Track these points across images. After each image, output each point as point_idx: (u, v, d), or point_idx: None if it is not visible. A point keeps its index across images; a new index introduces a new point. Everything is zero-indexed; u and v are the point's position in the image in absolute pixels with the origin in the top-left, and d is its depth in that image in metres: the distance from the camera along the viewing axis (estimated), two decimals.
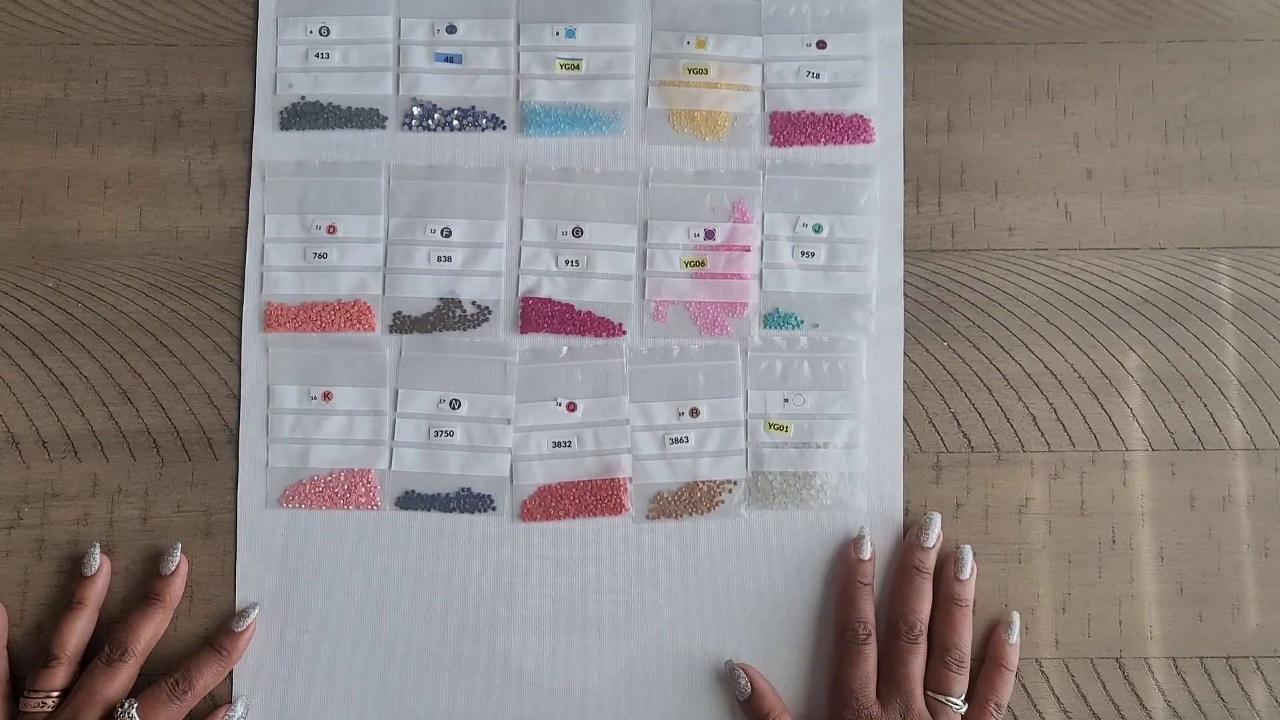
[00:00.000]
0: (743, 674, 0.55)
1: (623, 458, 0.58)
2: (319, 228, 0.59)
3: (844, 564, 0.57)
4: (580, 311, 0.59)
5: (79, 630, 0.54)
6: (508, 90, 0.60)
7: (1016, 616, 0.56)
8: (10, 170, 0.59)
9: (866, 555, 0.56)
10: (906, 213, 0.59)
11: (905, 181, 0.60)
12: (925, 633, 0.55)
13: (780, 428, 0.58)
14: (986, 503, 0.58)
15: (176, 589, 0.56)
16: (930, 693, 0.54)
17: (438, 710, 0.56)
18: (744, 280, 0.59)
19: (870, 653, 0.54)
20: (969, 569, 0.56)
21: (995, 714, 0.54)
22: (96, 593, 0.55)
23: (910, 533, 0.57)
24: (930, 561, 0.56)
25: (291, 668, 0.56)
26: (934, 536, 0.56)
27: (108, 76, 0.60)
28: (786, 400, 0.58)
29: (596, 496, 0.57)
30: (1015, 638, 0.56)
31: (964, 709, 0.54)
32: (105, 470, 0.57)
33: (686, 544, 0.57)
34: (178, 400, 0.58)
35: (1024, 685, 0.56)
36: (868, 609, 0.55)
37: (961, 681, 0.54)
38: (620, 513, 0.57)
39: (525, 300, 0.59)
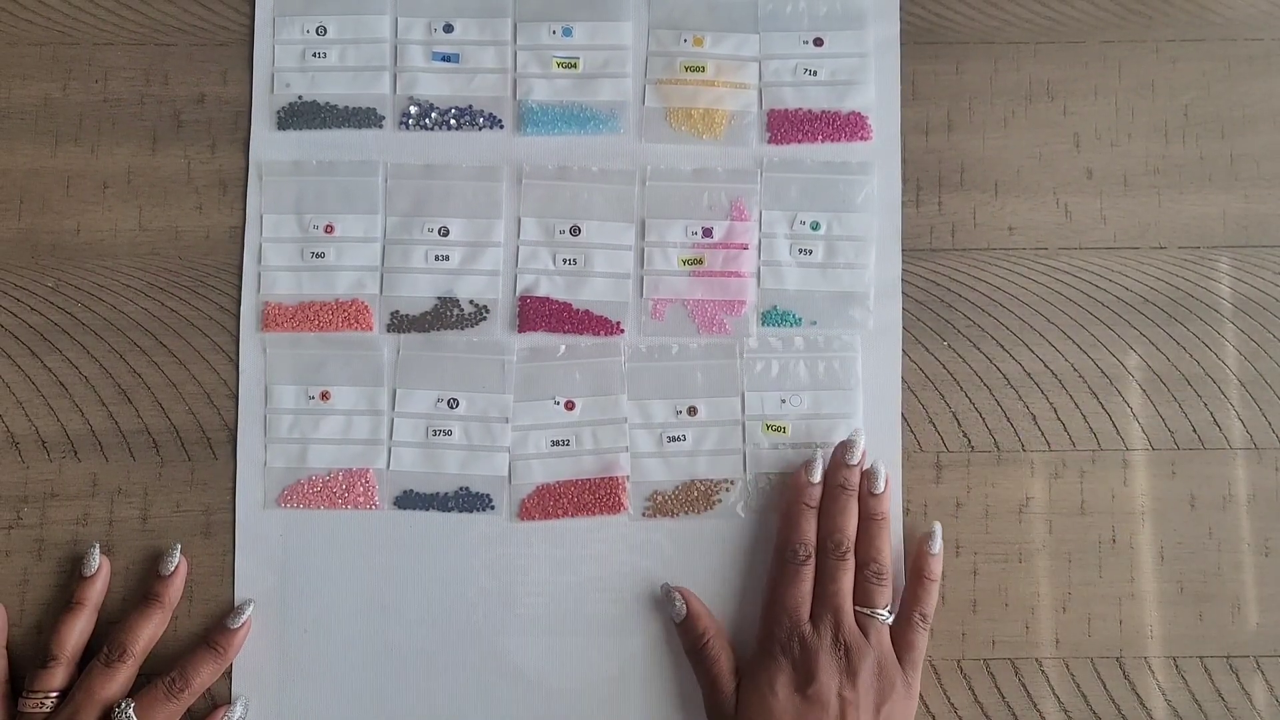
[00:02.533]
0: (679, 596, 0.55)
1: (621, 456, 0.58)
2: (316, 227, 0.59)
3: (792, 485, 0.56)
4: (578, 310, 0.58)
5: (78, 631, 0.54)
6: (505, 89, 0.60)
7: (938, 526, 0.56)
8: (10, 170, 0.59)
9: (816, 479, 0.56)
10: (906, 212, 0.59)
11: (905, 181, 0.60)
12: (853, 550, 0.54)
13: (778, 429, 0.58)
14: (987, 502, 0.58)
15: (176, 589, 0.56)
16: (857, 608, 0.53)
17: (436, 709, 0.56)
18: (742, 278, 0.58)
19: (808, 573, 0.54)
20: (882, 482, 0.55)
21: (920, 625, 0.54)
22: (96, 593, 0.55)
23: (836, 450, 0.56)
24: (855, 479, 0.55)
25: (290, 667, 0.56)
26: (858, 454, 0.56)
27: (107, 76, 0.60)
28: (784, 401, 0.58)
29: (595, 495, 0.57)
30: (936, 548, 0.55)
31: (890, 620, 0.54)
32: (105, 470, 0.57)
33: (685, 543, 0.57)
34: (177, 400, 0.58)
35: (1024, 685, 0.56)
36: (810, 531, 0.55)
37: (884, 593, 0.54)
38: (619, 511, 0.57)
39: (523, 299, 0.58)
